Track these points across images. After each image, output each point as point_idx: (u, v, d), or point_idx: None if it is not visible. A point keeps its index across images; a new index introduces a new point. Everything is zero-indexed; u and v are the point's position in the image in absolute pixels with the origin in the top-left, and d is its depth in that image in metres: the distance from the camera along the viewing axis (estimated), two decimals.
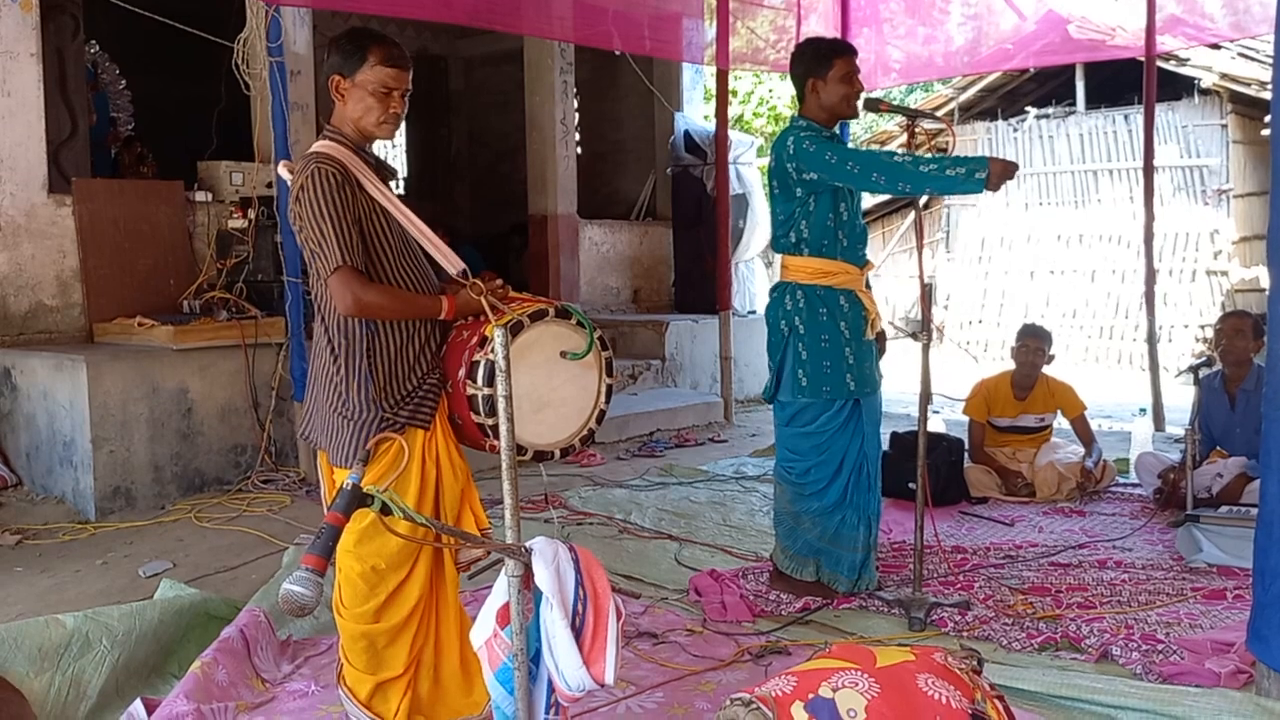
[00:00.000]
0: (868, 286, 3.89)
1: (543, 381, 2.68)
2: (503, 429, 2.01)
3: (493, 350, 2.50)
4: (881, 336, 3.93)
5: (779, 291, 3.86)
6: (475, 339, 2.66)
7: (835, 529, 3.80)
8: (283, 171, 2.73)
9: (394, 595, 2.66)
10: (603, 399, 2.79)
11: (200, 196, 6.24)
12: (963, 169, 3.38)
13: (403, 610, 2.68)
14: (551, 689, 2.02)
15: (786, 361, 3.80)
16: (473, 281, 2.66)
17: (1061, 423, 5.70)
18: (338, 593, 2.71)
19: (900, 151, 3.66)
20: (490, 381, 2.56)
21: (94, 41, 8.88)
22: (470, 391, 2.61)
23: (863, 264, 3.82)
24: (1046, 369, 5.58)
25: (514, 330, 2.55)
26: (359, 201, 2.59)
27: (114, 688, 3.01)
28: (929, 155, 3.55)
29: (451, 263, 2.66)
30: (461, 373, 2.64)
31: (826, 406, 3.76)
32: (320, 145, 2.65)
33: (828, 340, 3.72)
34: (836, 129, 3.88)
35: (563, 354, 2.70)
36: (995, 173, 3.34)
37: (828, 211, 3.72)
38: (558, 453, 2.72)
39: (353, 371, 2.62)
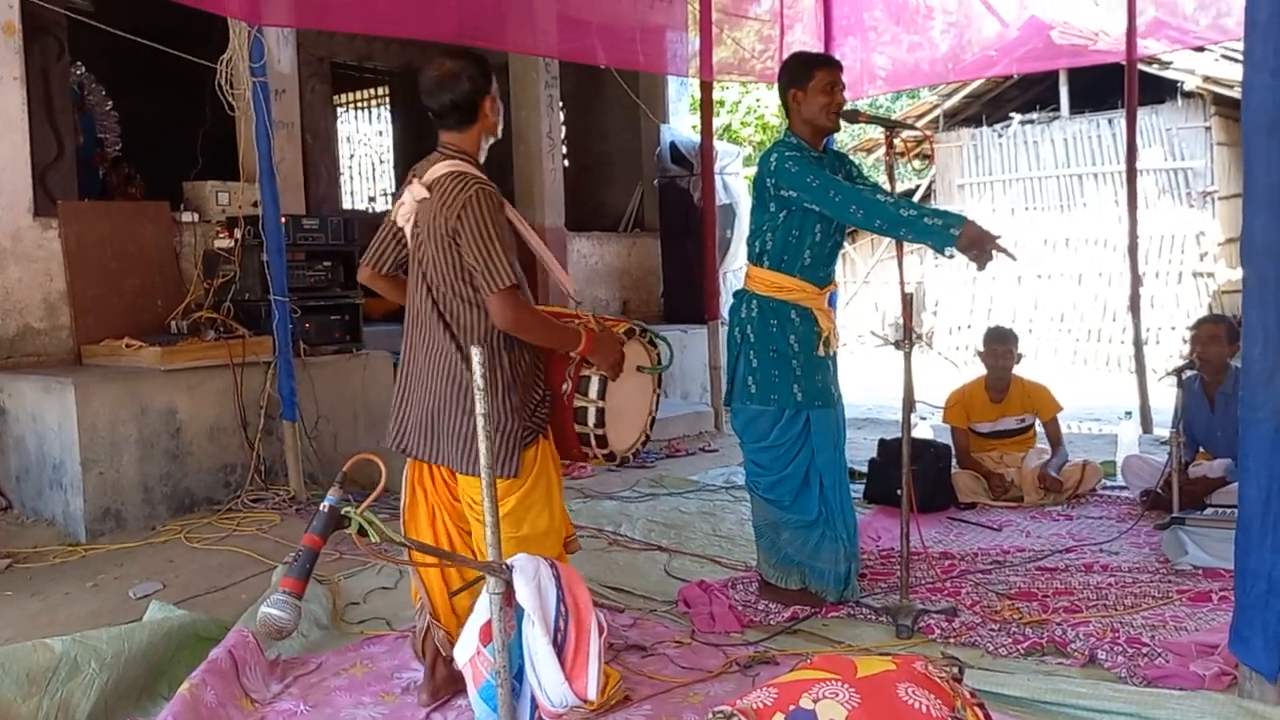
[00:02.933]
0: (831, 304, 3.95)
1: (625, 393, 3.01)
2: (482, 447, 2.02)
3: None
4: None
5: (737, 298, 3.94)
6: (579, 355, 2.92)
7: (816, 544, 3.81)
8: (420, 190, 2.85)
9: None
10: (654, 405, 3.16)
11: (187, 217, 6.24)
12: (939, 221, 3.42)
13: None
14: (535, 705, 2.04)
15: (739, 368, 3.88)
16: (588, 313, 2.99)
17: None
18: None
19: (885, 193, 3.66)
20: (602, 394, 2.90)
21: (79, 63, 8.89)
22: (579, 404, 2.89)
23: (824, 284, 3.83)
24: (1019, 369, 5.62)
25: None
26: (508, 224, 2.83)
27: (103, 711, 3.00)
28: (914, 202, 3.62)
29: (565, 284, 2.98)
30: (567, 386, 2.91)
31: (778, 417, 3.79)
32: (465, 167, 2.83)
33: (775, 351, 3.77)
34: (823, 147, 3.87)
35: (639, 368, 3.04)
36: (969, 235, 3.37)
37: (792, 229, 3.74)
38: (631, 456, 3.10)
39: (496, 383, 2.77)
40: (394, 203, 3.07)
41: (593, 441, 2.94)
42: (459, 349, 2.80)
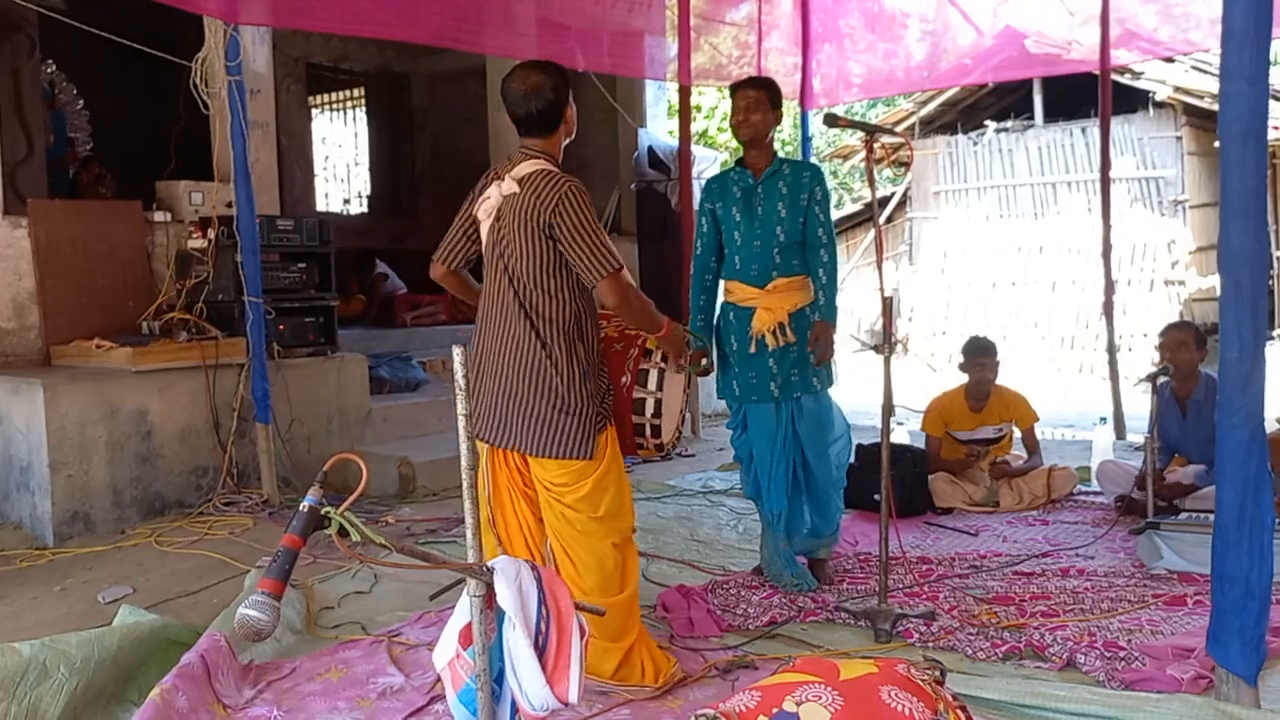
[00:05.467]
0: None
1: (672, 386, 3.26)
2: (462, 446, 2.00)
3: (661, 359, 3.16)
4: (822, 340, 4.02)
5: None
6: (638, 350, 3.18)
7: (762, 523, 4.20)
8: (510, 185, 3.02)
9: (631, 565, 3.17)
10: (686, 400, 3.42)
11: (159, 216, 6.17)
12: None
13: (635, 577, 3.16)
14: (515, 709, 2.01)
15: None
16: None
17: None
18: (575, 581, 3.02)
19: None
20: (660, 386, 3.14)
21: (51, 61, 8.79)
22: (639, 395, 3.14)
23: (761, 283, 4.02)
24: (998, 377, 5.65)
25: None
26: None
27: (72, 716, 2.95)
28: (697, 298, 4.17)
29: None
30: (626, 379, 3.15)
31: (731, 408, 4.21)
32: (552, 167, 3.04)
33: (723, 351, 4.15)
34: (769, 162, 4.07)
35: (680, 368, 3.29)
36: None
37: (720, 242, 4.13)
38: (671, 447, 3.37)
39: (573, 370, 2.97)
40: (472, 199, 3.20)
41: (648, 432, 3.17)
42: (538, 337, 2.97)
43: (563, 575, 3.04)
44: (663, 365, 3.17)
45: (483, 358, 3.09)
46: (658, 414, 3.15)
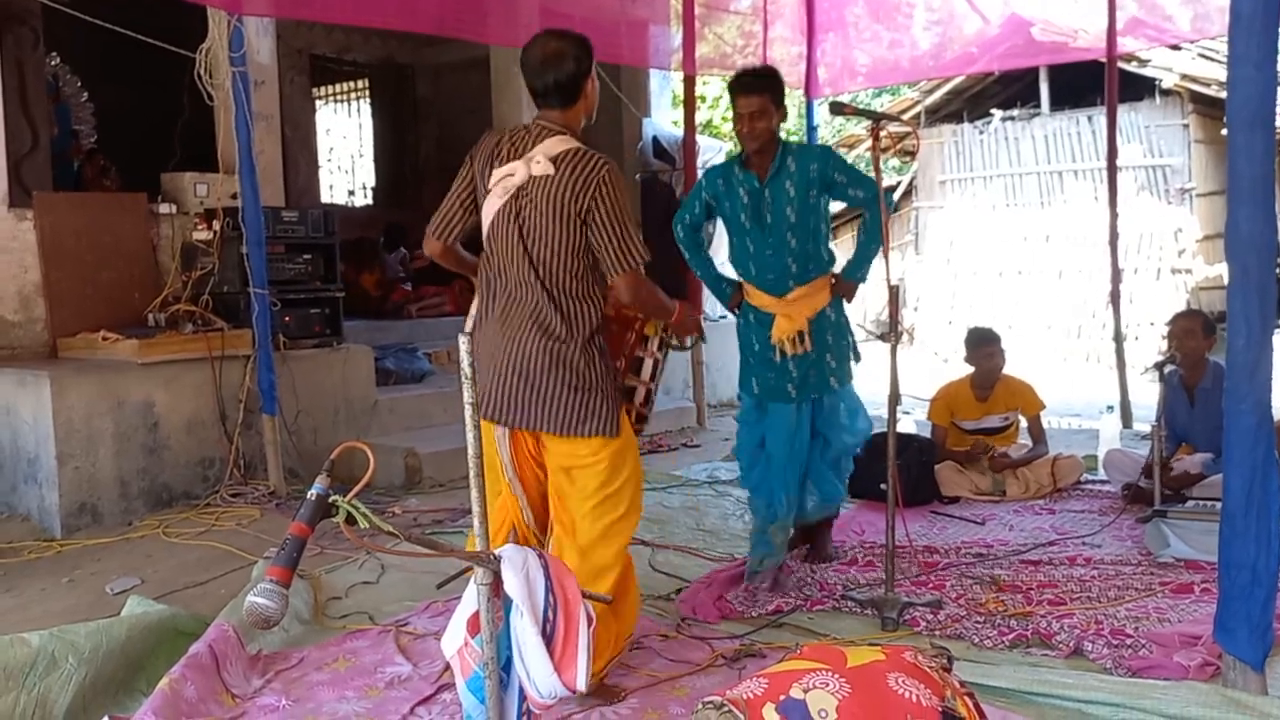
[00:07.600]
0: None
1: (660, 378, 3.24)
2: (469, 435, 2.00)
3: (657, 348, 3.11)
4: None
5: None
6: (634, 336, 3.10)
7: (753, 508, 4.14)
8: (544, 165, 2.86)
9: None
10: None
11: (164, 208, 6.17)
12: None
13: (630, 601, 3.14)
14: (523, 697, 2.01)
15: None
16: None
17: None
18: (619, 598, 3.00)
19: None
20: (653, 376, 3.10)
21: (55, 53, 8.79)
22: (630, 383, 3.07)
23: (778, 292, 3.96)
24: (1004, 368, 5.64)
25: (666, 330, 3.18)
26: None
27: (81, 706, 2.96)
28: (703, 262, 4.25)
29: None
30: (619, 364, 3.05)
31: (748, 400, 4.16)
32: (586, 146, 2.90)
33: (745, 346, 4.12)
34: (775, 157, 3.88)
35: (669, 346, 3.27)
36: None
37: (731, 241, 4.08)
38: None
39: (593, 349, 2.90)
40: (474, 169, 3.06)
41: (633, 418, 3.08)
42: (562, 318, 2.87)
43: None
44: (658, 355, 3.10)
45: (492, 336, 2.95)
46: (646, 403, 3.11)
